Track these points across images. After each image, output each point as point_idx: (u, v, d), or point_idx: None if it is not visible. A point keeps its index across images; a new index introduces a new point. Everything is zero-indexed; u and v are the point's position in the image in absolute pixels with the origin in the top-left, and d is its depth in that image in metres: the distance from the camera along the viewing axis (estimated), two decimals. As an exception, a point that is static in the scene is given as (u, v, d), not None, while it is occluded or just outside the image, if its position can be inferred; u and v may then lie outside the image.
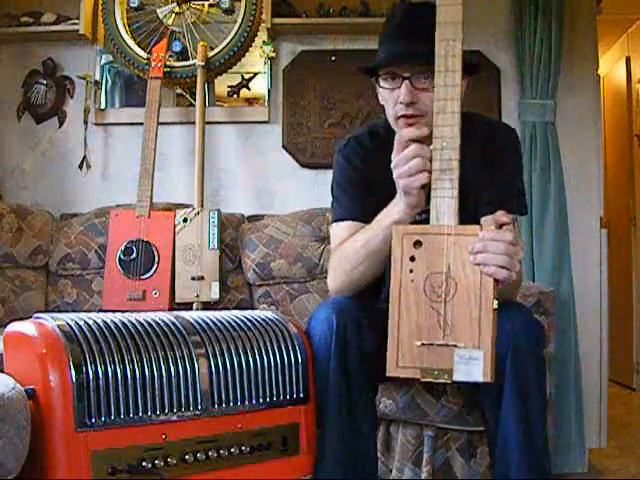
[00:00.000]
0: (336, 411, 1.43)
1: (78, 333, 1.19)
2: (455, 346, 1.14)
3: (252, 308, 2.52)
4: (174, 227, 2.47)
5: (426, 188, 1.28)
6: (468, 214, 1.49)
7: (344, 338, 1.43)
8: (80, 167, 2.87)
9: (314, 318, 1.50)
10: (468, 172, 1.45)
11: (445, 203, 1.20)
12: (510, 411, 1.40)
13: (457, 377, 1.14)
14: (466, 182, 1.44)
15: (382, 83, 1.56)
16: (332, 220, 1.69)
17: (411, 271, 1.20)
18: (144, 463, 1.17)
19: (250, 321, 1.41)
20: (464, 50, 1.40)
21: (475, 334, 1.14)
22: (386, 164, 1.54)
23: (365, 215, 1.55)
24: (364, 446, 1.47)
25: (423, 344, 1.17)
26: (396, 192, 1.43)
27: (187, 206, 2.56)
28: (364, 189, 1.63)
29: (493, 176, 1.58)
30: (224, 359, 1.30)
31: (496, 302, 1.15)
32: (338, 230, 1.63)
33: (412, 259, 1.20)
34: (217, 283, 2.44)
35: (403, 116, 1.53)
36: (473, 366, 1.14)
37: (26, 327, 1.22)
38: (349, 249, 1.52)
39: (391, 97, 1.55)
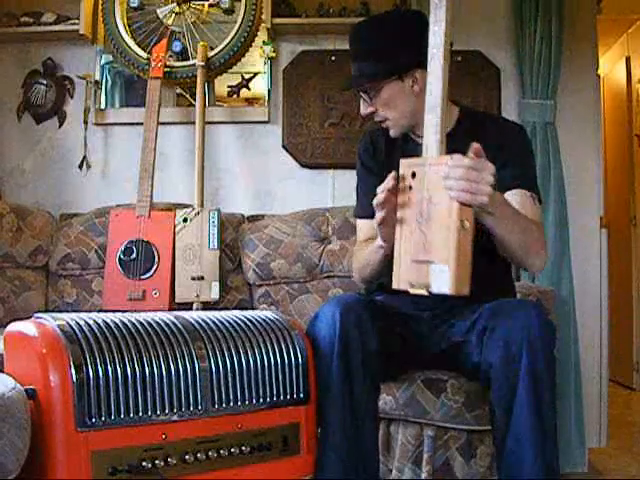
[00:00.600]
0: (339, 410, 1.43)
1: (78, 333, 1.19)
2: (431, 262, 1.29)
3: (252, 308, 2.52)
4: (174, 227, 2.47)
5: (389, 228, 1.42)
6: None
7: (348, 337, 1.45)
8: (80, 167, 2.87)
9: (318, 317, 1.51)
10: None
11: (431, 138, 1.33)
12: (524, 409, 1.41)
13: (432, 289, 1.29)
14: None
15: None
16: (355, 217, 1.90)
17: (409, 199, 1.36)
18: (144, 463, 1.17)
19: (250, 321, 1.41)
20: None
21: (445, 252, 1.26)
22: (394, 158, 1.67)
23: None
24: (366, 445, 1.47)
25: (413, 261, 1.33)
26: (382, 177, 1.61)
27: (187, 206, 2.56)
28: (374, 186, 1.70)
29: (506, 162, 1.64)
30: (224, 359, 1.30)
31: (466, 223, 1.26)
32: (358, 226, 1.88)
33: (410, 188, 1.36)
34: (217, 283, 2.44)
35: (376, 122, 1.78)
36: (442, 279, 1.26)
37: (26, 327, 1.22)
38: (359, 255, 1.77)
39: None
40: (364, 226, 1.82)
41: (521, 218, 1.53)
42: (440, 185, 1.28)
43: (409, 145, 1.79)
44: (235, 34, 2.67)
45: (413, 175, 1.36)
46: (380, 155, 1.84)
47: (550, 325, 1.46)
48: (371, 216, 1.70)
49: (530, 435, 1.40)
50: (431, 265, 1.29)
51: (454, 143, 1.69)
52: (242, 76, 2.99)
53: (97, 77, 2.91)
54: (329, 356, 1.44)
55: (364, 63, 1.71)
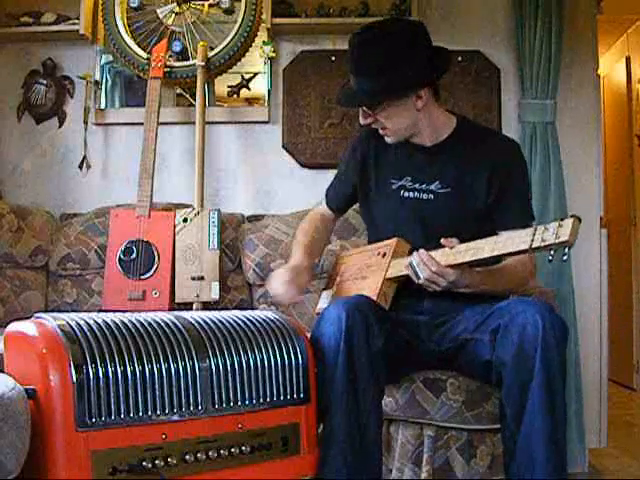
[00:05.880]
0: (343, 409, 1.44)
1: (78, 333, 1.19)
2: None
3: (252, 308, 2.52)
4: (174, 227, 2.47)
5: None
6: (470, 214, 1.62)
7: (353, 336, 1.45)
8: (80, 167, 2.87)
9: (324, 317, 1.52)
10: (474, 184, 1.72)
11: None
12: (537, 407, 1.42)
13: None
14: (472, 193, 1.73)
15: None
16: (325, 192, 2.05)
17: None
18: (144, 463, 1.18)
19: (250, 321, 1.41)
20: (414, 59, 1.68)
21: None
22: (377, 151, 1.85)
23: (334, 201, 2.01)
24: (369, 445, 1.47)
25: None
26: (375, 174, 1.83)
27: (187, 206, 2.55)
28: (347, 179, 1.94)
29: (502, 193, 1.73)
30: (224, 359, 1.30)
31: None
32: (311, 213, 2.07)
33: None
34: (217, 283, 2.44)
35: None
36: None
37: (26, 327, 1.22)
38: (307, 227, 1.99)
39: None
40: (321, 206, 2.05)
41: (501, 274, 1.65)
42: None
43: (404, 148, 1.80)
44: (235, 34, 2.67)
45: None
46: (370, 152, 1.86)
47: (563, 324, 1.47)
48: (330, 201, 2.02)
49: (543, 434, 1.41)
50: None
51: (448, 154, 1.74)
52: (242, 76, 2.99)
53: (97, 77, 2.91)
54: (334, 356, 1.45)
55: (366, 79, 1.67)
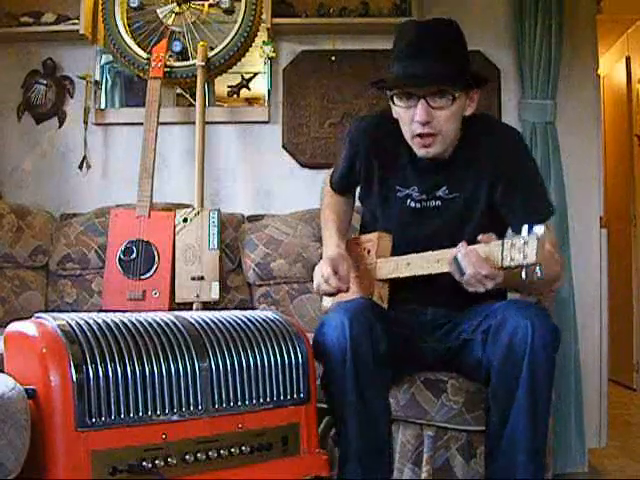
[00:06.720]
0: (355, 414, 1.46)
1: (79, 333, 1.19)
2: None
3: (252, 308, 2.52)
4: (174, 227, 2.47)
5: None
6: (474, 219, 1.59)
7: (359, 343, 1.46)
8: (80, 167, 2.87)
9: (326, 324, 1.51)
10: (480, 187, 1.65)
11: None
12: (521, 415, 1.43)
13: None
14: (478, 195, 1.65)
15: (397, 101, 1.59)
16: (329, 176, 1.94)
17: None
18: (144, 463, 1.18)
19: (250, 321, 1.41)
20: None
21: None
22: (382, 151, 1.73)
23: (343, 189, 1.90)
24: (381, 444, 1.50)
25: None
26: (379, 176, 1.72)
27: (187, 206, 2.55)
28: (353, 167, 1.80)
29: (512, 189, 1.63)
30: (224, 359, 1.30)
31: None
32: (327, 190, 1.96)
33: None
34: (217, 283, 2.44)
35: (419, 135, 1.56)
36: None
37: (26, 327, 1.22)
38: (329, 211, 1.89)
39: (407, 115, 1.58)
40: (329, 193, 1.94)
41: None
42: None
43: (410, 155, 1.70)
44: (235, 34, 2.67)
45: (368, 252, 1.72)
46: (373, 142, 1.73)
47: (554, 331, 1.46)
48: (338, 189, 1.91)
49: (524, 440, 1.42)
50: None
51: (454, 160, 1.71)
52: (242, 76, 2.99)
53: (97, 77, 2.91)
54: (341, 363, 1.46)
55: (448, 65, 1.54)
